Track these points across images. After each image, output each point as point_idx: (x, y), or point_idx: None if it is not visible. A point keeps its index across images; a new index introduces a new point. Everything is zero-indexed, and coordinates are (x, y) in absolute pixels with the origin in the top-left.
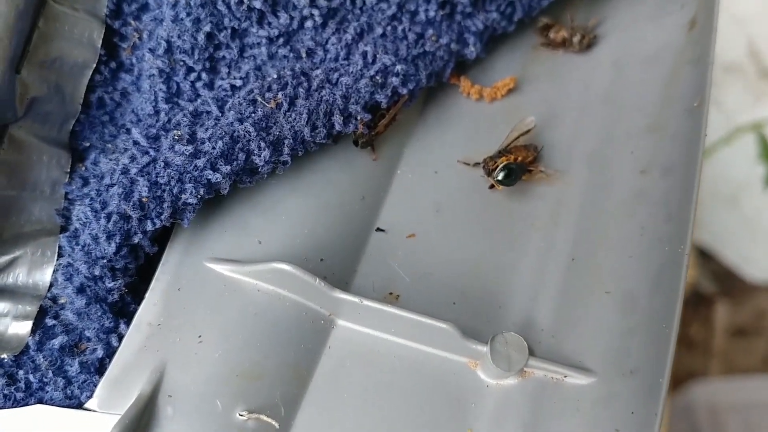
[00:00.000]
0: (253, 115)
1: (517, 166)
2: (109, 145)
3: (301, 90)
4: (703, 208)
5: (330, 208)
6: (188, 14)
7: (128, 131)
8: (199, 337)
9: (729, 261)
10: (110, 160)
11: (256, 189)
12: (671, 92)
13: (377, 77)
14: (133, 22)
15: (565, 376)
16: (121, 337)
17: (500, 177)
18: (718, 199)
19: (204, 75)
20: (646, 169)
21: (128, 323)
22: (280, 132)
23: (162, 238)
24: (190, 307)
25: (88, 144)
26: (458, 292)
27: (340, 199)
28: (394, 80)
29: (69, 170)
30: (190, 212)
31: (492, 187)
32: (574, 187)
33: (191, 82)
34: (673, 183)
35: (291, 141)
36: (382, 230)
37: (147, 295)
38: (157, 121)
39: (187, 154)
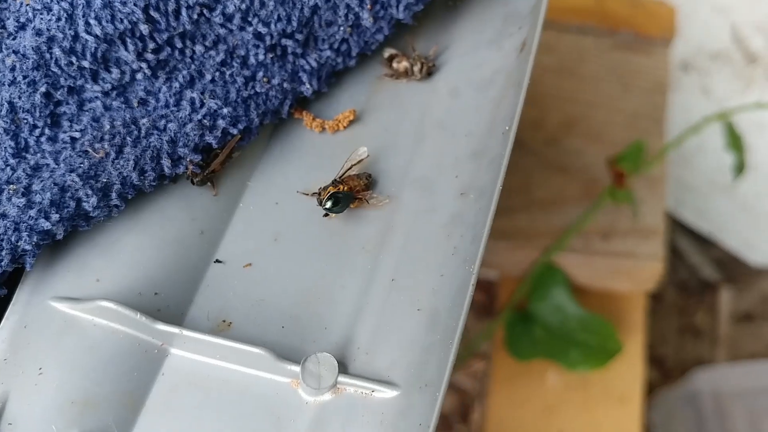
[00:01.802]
0: (81, 165)
1: (344, 194)
2: None
3: (129, 138)
4: (700, 197)
5: (166, 244)
6: (24, 77)
7: None
8: (40, 369)
9: (730, 247)
10: None
11: (95, 231)
12: (496, 116)
13: (205, 120)
14: None
15: (373, 391)
16: None
17: (328, 205)
18: (716, 186)
19: (47, 130)
20: (465, 191)
21: None
22: (108, 179)
23: (15, 281)
24: (34, 343)
25: None
26: (288, 316)
27: (177, 235)
28: (222, 122)
29: None
30: (30, 257)
31: (327, 215)
32: (402, 212)
33: (36, 137)
34: (482, 205)
35: (119, 186)
36: (221, 262)
37: None
38: (3, 176)
39: (21, 205)
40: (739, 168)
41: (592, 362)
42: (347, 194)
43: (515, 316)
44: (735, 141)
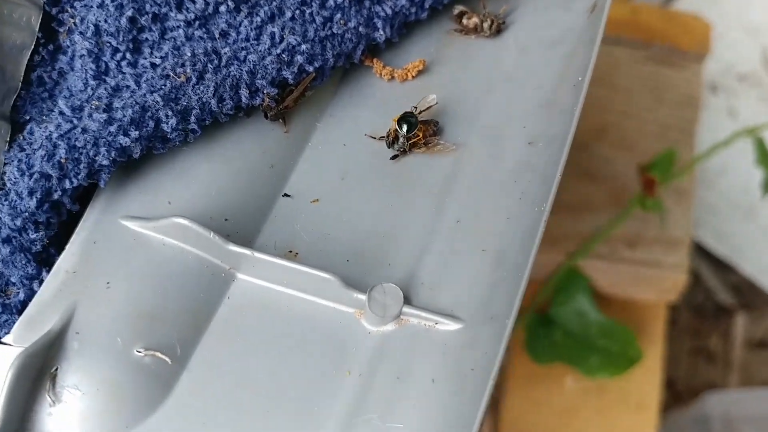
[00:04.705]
0: (163, 87)
1: (415, 118)
2: (45, 118)
3: (210, 66)
4: (721, 220)
5: (238, 174)
6: (112, 1)
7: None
8: (108, 283)
9: (748, 273)
10: (41, 128)
11: (170, 156)
12: (566, 71)
13: (283, 55)
14: (69, 9)
15: (437, 323)
16: (42, 283)
17: (404, 129)
18: (737, 210)
19: (128, 55)
20: (533, 141)
21: (50, 271)
22: (187, 103)
23: (86, 199)
24: (103, 258)
25: (28, 117)
26: (353, 250)
27: (249, 166)
28: (300, 58)
29: (8, 140)
30: (105, 173)
31: (393, 158)
32: (469, 158)
33: (117, 61)
34: (552, 152)
35: (198, 111)
36: (289, 196)
37: (67, 246)
38: (84, 95)
39: (102, 120)
40: None
41: (611, 369)
42: (418, 119)
43: (536, 319)
44: (765, 157)
